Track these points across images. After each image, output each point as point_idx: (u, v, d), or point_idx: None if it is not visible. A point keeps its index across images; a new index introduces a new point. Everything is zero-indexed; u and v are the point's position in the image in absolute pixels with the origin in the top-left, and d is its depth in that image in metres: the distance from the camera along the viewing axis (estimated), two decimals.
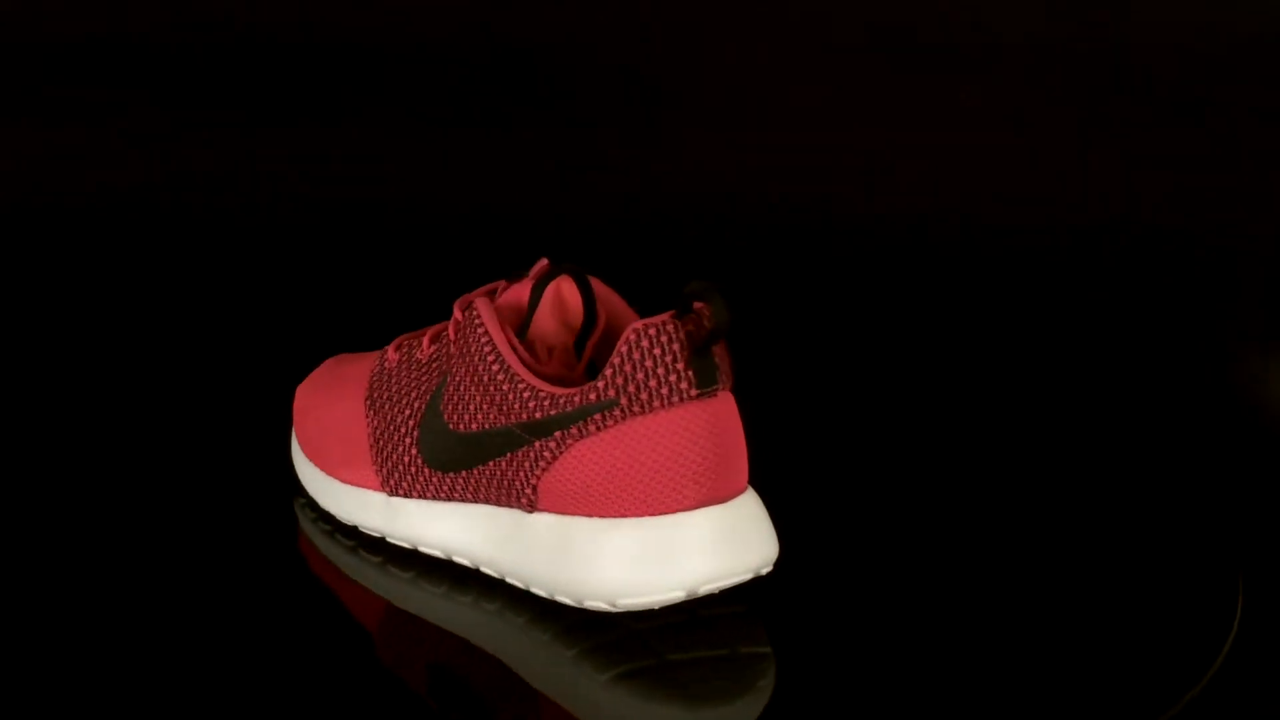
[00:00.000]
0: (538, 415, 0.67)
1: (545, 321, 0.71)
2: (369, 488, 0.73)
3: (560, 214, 1.10)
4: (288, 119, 1.10)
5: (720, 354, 0.66)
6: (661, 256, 1.10)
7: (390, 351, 0.74)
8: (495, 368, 0.68)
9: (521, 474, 0.67)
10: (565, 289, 0.71)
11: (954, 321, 1.09)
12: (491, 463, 0.68)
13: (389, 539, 0.73)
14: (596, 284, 0.72)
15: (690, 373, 0.65)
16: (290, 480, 0.78)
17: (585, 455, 0.66)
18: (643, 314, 0.71)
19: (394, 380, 0.73)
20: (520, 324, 0.70)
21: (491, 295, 0.72)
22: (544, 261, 0.71)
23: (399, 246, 1.09)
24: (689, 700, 0.65)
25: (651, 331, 0.65)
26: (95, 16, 1.07)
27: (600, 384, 0.65)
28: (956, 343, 1.08)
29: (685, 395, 0.65)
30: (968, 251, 1.10)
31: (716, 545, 0.65)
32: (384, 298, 1.03)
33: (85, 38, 1.07)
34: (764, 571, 0.67)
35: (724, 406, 0.66)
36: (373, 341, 0.78)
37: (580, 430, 0.66)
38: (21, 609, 0.71)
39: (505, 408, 0.67)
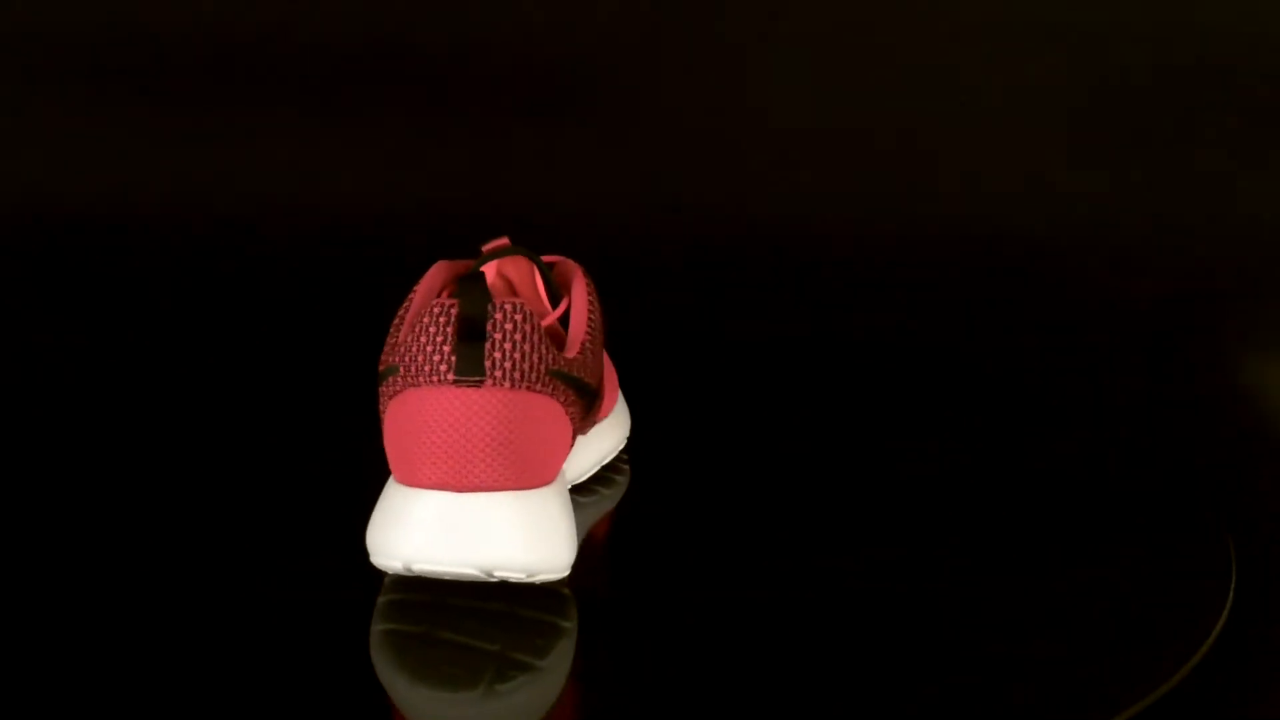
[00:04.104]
0: (380, 367, 0.69)
1: (525, 298, 0.73)
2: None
3: (564, 213, 1.06)
4: (287, 120, 1.11)
5: (514, 350, 0.65)
6: (662, 257, 1.04)
7: None
8: (399, 319, 0.71)
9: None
10: (537, 272, 0.72)
11: (953, 322, 1.06)
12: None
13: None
14: (570, 268, 0.71)
15: (453, 357, 0.65)
16: None
17: (386, 413, 0.68)
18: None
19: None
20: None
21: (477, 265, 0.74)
22: (504, 240, 0.72)
23: (406, 246, 1.07)
24: (411, 676, 0.65)
25: (435, 310, 0.65)
26: (95, 16, 1.10)
27: (395, 348, 0.67)
28: (955, 343, 1.05)
29: (442, 377, 0.65)
30: (966, 251, 1.06)
31: (435, 530, 0.65)
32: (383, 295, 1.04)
33: (85, 38, 1.10)
34: (500, 575, 0.66)
35: (482, 399, 0.64)
36: (368, 337, 0.82)
37: (387, 389, 0.68)
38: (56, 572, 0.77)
39: (384, 354, 0.71)
